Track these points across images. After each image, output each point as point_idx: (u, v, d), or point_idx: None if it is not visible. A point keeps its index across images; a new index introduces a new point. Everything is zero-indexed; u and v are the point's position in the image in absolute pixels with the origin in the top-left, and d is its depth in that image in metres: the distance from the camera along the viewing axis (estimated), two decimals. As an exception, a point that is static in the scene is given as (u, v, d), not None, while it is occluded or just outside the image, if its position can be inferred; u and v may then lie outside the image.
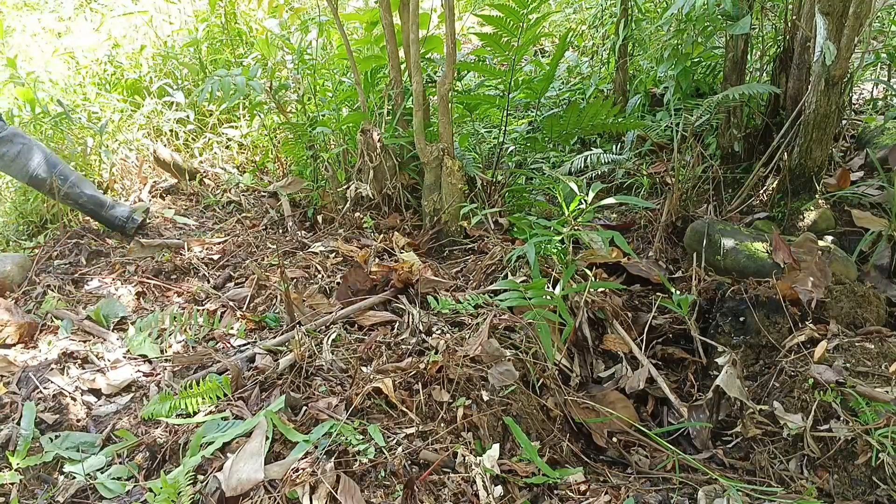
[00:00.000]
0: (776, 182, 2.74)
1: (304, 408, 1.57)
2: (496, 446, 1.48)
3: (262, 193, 3.38)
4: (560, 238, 2.10)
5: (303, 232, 2.93)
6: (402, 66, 2.83)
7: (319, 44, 3.58)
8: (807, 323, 1.99)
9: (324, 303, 2.18)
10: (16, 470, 1.52)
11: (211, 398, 1.65)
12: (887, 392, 1.62)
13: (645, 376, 2.00)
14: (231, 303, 2.24)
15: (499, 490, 1.39)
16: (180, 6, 4.34)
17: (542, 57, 5.17)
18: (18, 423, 1.65)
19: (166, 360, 1.92)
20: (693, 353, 2.14)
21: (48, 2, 4.93)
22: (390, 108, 2.88)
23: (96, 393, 1.81)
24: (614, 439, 1.81)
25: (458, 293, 2.15)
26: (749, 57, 3.16)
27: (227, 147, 3.86)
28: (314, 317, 2.07)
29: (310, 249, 2.61)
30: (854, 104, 3.70)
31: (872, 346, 1.82)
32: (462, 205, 2.59)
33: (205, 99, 3.30)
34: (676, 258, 2.65)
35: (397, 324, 2.02)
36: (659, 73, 3.80)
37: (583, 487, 1.48)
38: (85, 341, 2.05)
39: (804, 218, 2.59)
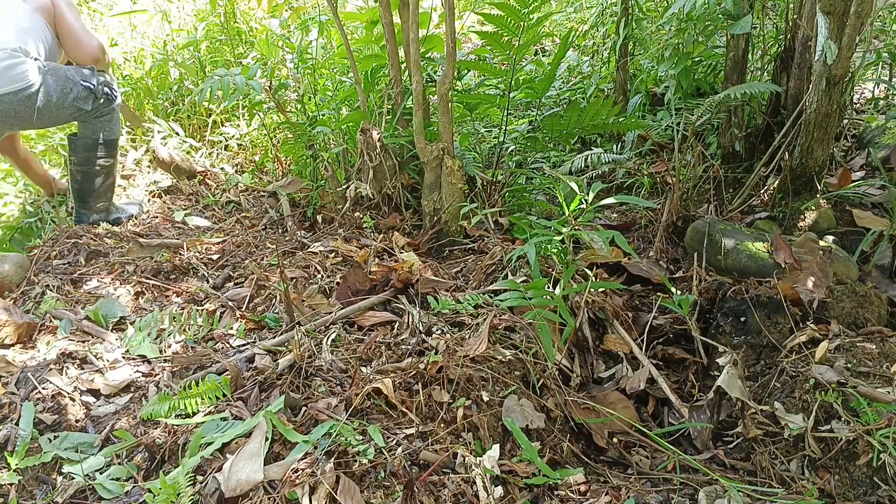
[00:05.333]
0: (777, 182, 2.74)
1: (304, 408, 1.57)
2: (496, 447, 1.47)
3: (262, 193, 3.37)
4: (560, 238, 2.10)
5: (302, 232, 2.92)
6: (402, 66, 2.83)
7: (319, 43, 3.58)
8: (808, 323, 1.98)
9: (323, 303, 2.17)
10: (14, 470, 1.51)
11: (210, 398, 1.65)
12: (889, 392, 1.62)
13: (645, 376, 2.00)
14: (230, 303, 2.23)
15: (499, 491, 1.39)
16: (179, 5, 4.33)
17: (543, 56, 5.16)
18: (17, 424, 1.65)
19: (165, 361, 1.92)
20: (694, 354, 2.13)
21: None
22: (390, 107, 2.87)
23: (95, 393, 1.81)
24: (615, 440, 1.81)
25: (458, 293, 2.14)
26: (750, 56, 3.16)
27: (226, 147, 3.86)
28: (314, 317, 2.07)
29: (309, 249, 2.60)
30: (855, 104, 3.70)
31: (874, 347, 1.81)
32: (462, 204, 2.58)
33: (204, 98, 3.29)
34: (677, 258, 2.65)
35: (397, 324, 2.01)
36: (660, 72, 3.80)
37: (583, 488, 1.47)
38: (84, 341, 2.04)
39: (805, 218, 2.59)
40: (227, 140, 3.87)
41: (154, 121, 3.67)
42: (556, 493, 1.45)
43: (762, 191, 2.87)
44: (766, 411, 1.75)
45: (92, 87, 2.70)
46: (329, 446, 1.40)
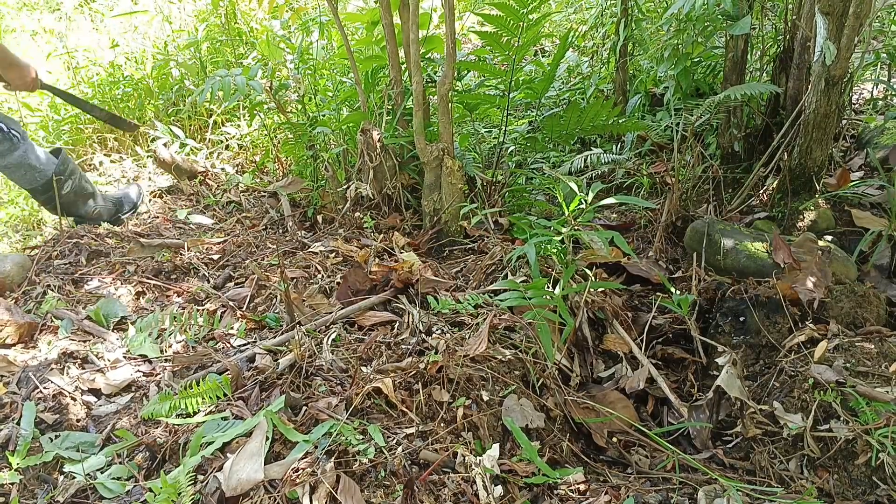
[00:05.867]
0: (776, 182, 2.74)
1: (304, 408, 1.57)
2: (496, 446, 1.48)
3: (262, 193, 3.38)
4: (560, 238, 2.10)
5: (303, 232, 2.92)
6: (403, 66, 2.83)
7: (320, 44, 3.58)
8: (807, 323, 1.99)
9: (324, 303, 2.18)
10: (16, 470, 1.52)
11: (211, 398, 1.65)
12: (887, 392, 1.62)
13: (645, 376, 2.00)
14: (231, 303, 2.23)
15: (499, 490, 1.39)
16: (180, 6, 4.34)
17: (543, 57, 5.17)
18: (18, 423, 1.65)
19: (166, 360, 1.92)
20: (693, 353, 2.14)
21: (48, 1, 4.93)
22: (390, 107, 2.88)
23: (96, 393, 1.81)
24: (614, 439, 1.81)
25: (458, 293, 2.15)
26: (749, 57, 3.16)
27: (227, 147, 3.86)
28: (314, 317, 2.07)
29: (310, 249, 2.61)
30: (854, 104, 3.71)
31: (872, 346, 1.82)
32: (462, 205, 2.58)
33: (205, 99, 3.29)
34: (676, 258, 2.65)
35: (397, 324, 2.02)
36: (659, 72, 3.80)
37: (583, 487, 1.48)
38: (85, 341, 2.05)
39: (804, 218, 2.59)
40: (227, 140, 3.87)
41: (155, 126, 3.68)
42: (555, 492, 1.46)
43: (761, 191, 2.88)
44: (766, 411, 1.76)
45: None
46: (329, 446, 1.41)
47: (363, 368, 1.74)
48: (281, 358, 1.81)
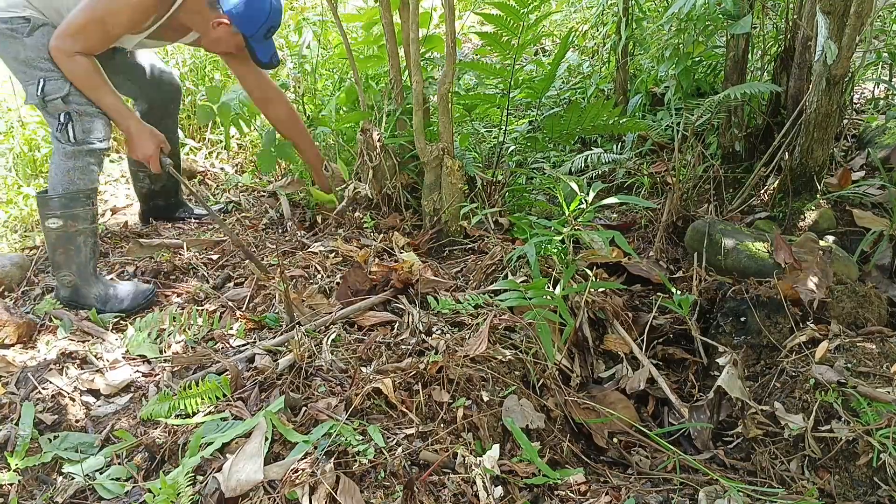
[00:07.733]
0: (777, 182, 2.74)
1: (304, 408, 1.57)
2: (496, 447, 1.47)
3: (262, 193, 3.37)
4: (560, 238, 2.10)
5: (302, 232, 2.92)
6: (402, 66, 2.83)
7: (319, 44, 3.58)
8: (808, 323, 1.98)
9: (323, 303, 2.17)
10: (14, 471, 1.52)
11: (210, 398, 1.65)
12: (889, 392, 1.62)
13: (645, 376, 2.00)
14: (230, 303, 2.23)
15: (499, 491, 1.39)
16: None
17: (543, 56, 5.16)
18: (17, 424, 1.65)
19: (165, 361, 1.92)
20: (694, 354, 2.14)
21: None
22: (390, 107, 2.87)
23: (95, 393, 1.81)
24: (615, 440, 1.81)
25: (458, 293, 2.14)
26: (750, 56, 3.16)
27: (226, 146, 3.86)
28: (314, 317, 2.07)
29: (309, 249, 2.60)
30: (855, 103, 3.70)
31: (874, 347, 1.81)
32: (462, 204, 2.58)
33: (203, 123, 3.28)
34: (677, 258, 2.65)
35: (397, 324, 2.01)
36: (660, 72, 3.80)
37: (583, 488, 1.47)
38: (84, 341, 2.04)
39: (805, 218, 2.59)
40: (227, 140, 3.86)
41: None
42: (556, 493, 1.45)
43: (762, 191, 2.87)
44: (767, 411, 1.75)
45: (42, 82, 2.00)
46: (329, 446, 1.40)
47: (363, 369, 1.73)
48: (280, 358, 1.80)
